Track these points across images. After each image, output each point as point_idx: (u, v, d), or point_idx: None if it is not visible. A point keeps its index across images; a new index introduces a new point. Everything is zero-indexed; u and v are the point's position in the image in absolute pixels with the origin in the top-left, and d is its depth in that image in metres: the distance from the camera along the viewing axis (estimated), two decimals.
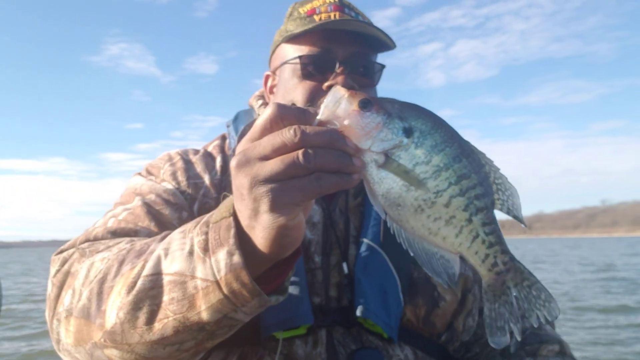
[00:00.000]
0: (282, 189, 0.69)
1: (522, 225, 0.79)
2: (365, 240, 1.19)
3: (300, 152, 0.68)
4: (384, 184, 0.74)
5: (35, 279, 24.44)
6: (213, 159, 1.34)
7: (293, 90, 1.28)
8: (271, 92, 1.41)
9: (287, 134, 0.69)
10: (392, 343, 1.16)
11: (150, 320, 0.83)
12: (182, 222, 1.13)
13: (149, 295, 0.83)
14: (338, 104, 0.73)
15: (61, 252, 1.07)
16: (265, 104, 1.43)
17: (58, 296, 0.98)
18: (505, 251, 0.75)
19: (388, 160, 0.72)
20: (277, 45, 1.37)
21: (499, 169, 0.76)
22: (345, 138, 0.71)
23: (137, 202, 1.19)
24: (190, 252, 0.81)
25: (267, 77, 1.44)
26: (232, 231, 0.78)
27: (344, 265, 1.19)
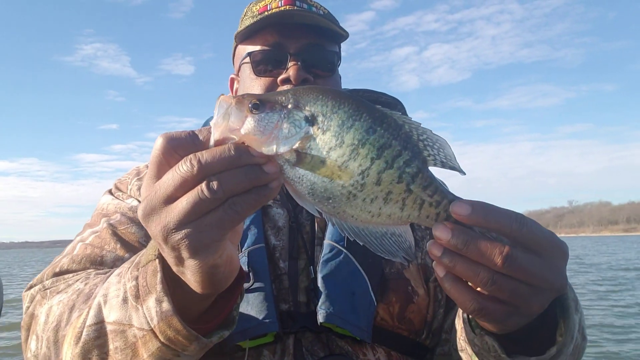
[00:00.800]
0: (198, 230, 0.64)
1: (461, 174, 0.74)
2: (327, 242, 1.15)
3: (203, 184, 0.63)
4: (305, 181, 0.69)
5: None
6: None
7: (250, 90, 1.26)
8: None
9: (183, 168, 0.64)
10: (364, 346, 1.12)
11: None
12: (149, 237, 1.10)
13: (95, 345, 0.82)
14: (228, 115, 0.67)
15: (30, 287, 1.10)
16: None
17: (26, 340, 1.01)
18: (452, 199, 0.71)
19: (300, 156, 0.67)
20: (235, 47, 1.39)
21: (420, 124, 0.71)
22: (248, 149, 0.66)
23: (103, 224, 1.19)
24: (125, 300, 0.80)
25: (232, 80, 1.45)
26: (159, 276, 0.75)
27: (311, 269, 1.16)
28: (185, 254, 0.67)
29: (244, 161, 0.65)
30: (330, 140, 0.67)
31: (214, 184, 0.63)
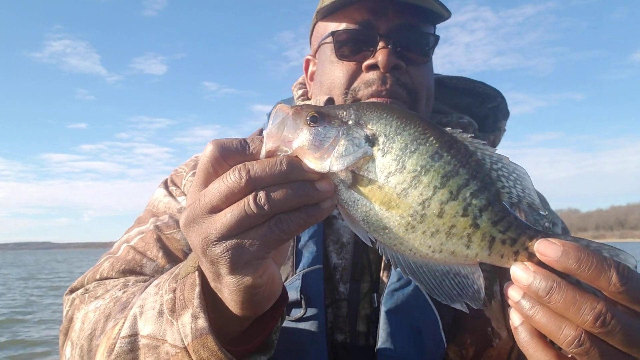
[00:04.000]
0: (240, 246, 0.61)
1: (541, 212, 0.66)
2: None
3: (250, 197, 0.59)
4: (360, 206, 0.64)
5: None
6: None
7: (330, 75, 1.13)
8: (311, 79, 1.26)
9: (231, 178, 0.60)
10: None
11: None
12: None
13: (127, 359, 0.78)
14: (283, 126, 0.63)
15: (71, 291, 1.09)
16: (306, 94, 1.27)
17: (63, 345, 0.99)
18: (533, 235, 0.62)
19: (357, 178, 0.63)
20: (314, 24, 1.23)
21: (494, 152, 0.64)
22: (301, 163, 0.62)
23: (150, 225, 1.15)
24: (160, 313, 0.76)
25: (307, 61, 1.29)
26: (197, 290, 0.71)
27: (375, 297, 1.03)
28: (224, 269, 0.63)
29: (296, 176, 0.60)
30: (391, 164, 0.61)
31: (262, 198, 0.59)
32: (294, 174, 0.61)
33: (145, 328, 0.77)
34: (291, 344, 0.92)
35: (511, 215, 0.63)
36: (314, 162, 0.62)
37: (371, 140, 0.63)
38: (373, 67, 1.06)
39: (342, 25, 1.11)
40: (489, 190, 0.63)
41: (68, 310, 1.03)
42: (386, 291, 0.98)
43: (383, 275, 1.05)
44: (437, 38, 1.17)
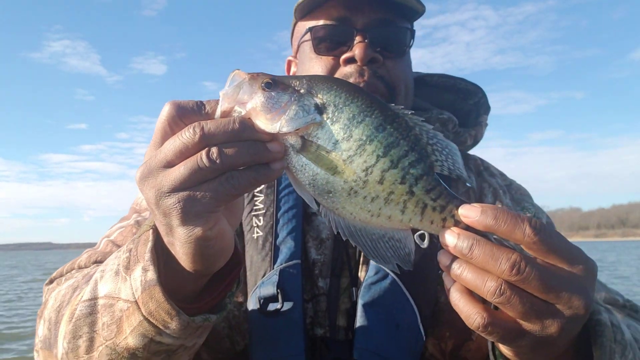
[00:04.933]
0: (191, 198, 0.63)
1: (467, 184, 0.68)
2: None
3: (203, 153, 0.62)
4: (308, 170, 0.67)
5: None
6: None
7: (309, 71, 1.13)
8: None
9: (186, 135, 0.63)
10: None
11: (90, 349, 0.78)
12: None
13: (86, 322, 0.78)
14: (239, 89, 0.67)
15: (50, 282, 1.08)
16: None
17: (37, 327, 0.96)
18: (459, 203, 0.68)
19: (305, 143, 0.66)
20: (294, 25, 1.23)
21: (430, 128, 0.68)
22: (254, 124, 0.65)
23: (132, 220, 1.16)
24: (117, 272, 0.77)
25: (289, 62, 1.30)
26: (149, 245, 0.73)
27: (353, 291, 1.03)
28: (175, 220, 0.64)
29: (247, 135, 0.63)
30: (338, 132, 0.65)
31: (214, 154, 0.61)
32: (245, 133, 0.64)
33: (104, 289, 0.79)
34: (268, 338, 0.93)
35: (442, 185, 0.68)
36: (265, 124, 0.66)
37: (320, 109, 0.67)
38: (351, 60, 1.08)
39: (320, 22, 1.13)
40: (425, 162, 0.68)
41: (45, 296, 1.03)
42: (363, 285, 0.99)
43: (362, 270, 1.06)
44: (413, 33, 1.18)
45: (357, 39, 1.08)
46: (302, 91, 0.68)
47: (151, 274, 0.73)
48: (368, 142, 0.66)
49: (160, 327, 0.74)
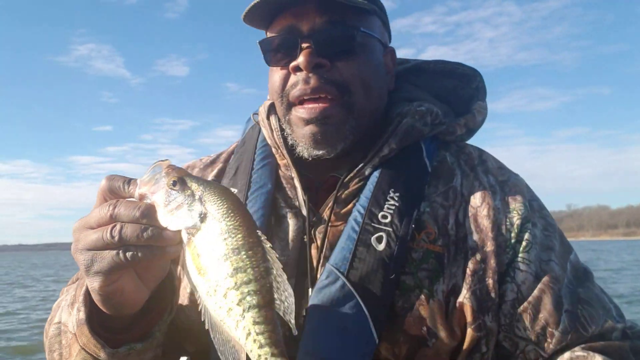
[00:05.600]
0: (93, 259, 0.76)
1: (294, 331, 0.73)
2: (328, 265, 0.96)
3: (109, 227, 0.74)
4: (188, 263, 0.77)
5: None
6: (213, 167, 1.24)
7: (270, 81, 1.12)
8: None
9: (103, 210, 0.76)
10: None
11: None
12: None
13: (57, 341, 0.95)
14: (155, 180, 0.77)
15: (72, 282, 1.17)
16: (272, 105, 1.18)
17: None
18: (276, 355, 0.71)
19: (189, 241, 0.75)
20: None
21: (280, 267, 0.74)
22: (154, 213, 0.75)
23: None
24: (68, 305, 0.93)
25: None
26: (84, 289, 0.85)
27: (310, 292, 1.02)
28: (83, 272, 0.78)
29: (146, 221, 0.73)
30: (208, 242, 0.74)
31: (115, 231, 0.73)
32: (145, 219, 0.74)
33: (63, 317, 0.95)
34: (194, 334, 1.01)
35: (272, 324, 0.73)
36: (161, 215, 0.76)
37: (202, 217, 0.75)
38: (298, 68, 1.05)
39: (273, 34, 1.10)
40: (263, 295, 0.73)
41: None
42: (315, 288, 0.97)
43: (319, 273, 1.03)
44: (373, 31, 1.08)
45: (302, 46, 1.04)
46: (195, 196, 0.77)
47: (82, 314, 0.86)
48: (224, 260, 0.74)
49: (94, 355, 0.87)
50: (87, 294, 0.85)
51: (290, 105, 1.06)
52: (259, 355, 0.72)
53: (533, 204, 1.06)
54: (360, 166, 1.01)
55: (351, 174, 1.00)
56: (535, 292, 0.94)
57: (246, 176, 1.10)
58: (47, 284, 24.31)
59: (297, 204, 1.07)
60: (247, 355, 0.75)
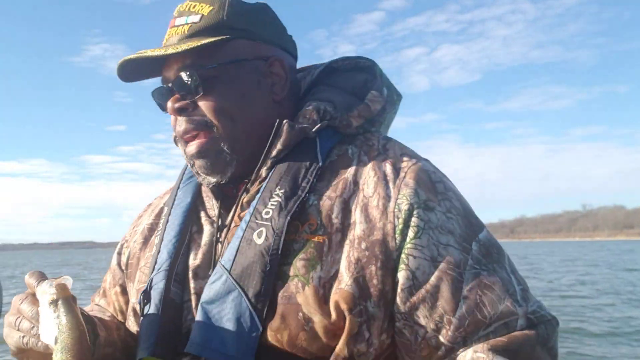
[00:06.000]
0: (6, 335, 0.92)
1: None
2: (218, 263, 0.99)
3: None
4: None
5: None
6: (148, 208, 1.30)
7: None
8: None
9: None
10: None
11: None
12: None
13: None
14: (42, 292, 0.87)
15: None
16: None
17: None
18: None
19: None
20: None
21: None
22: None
23: (114, 261, 1.30)
24: None
25: None
26: None
27: None
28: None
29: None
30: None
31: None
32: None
33: None
34: (139, 337, 1.06)
35: None
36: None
37: (55, 340, 0.84)
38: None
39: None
40: None
41: None
42: (207, 284, 1.02)
43: None
44: (205, 68, 1.06)
45: (170, 94, 1.08)
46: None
47: None
48: None
49: None
50: None
51: (180, 145, 1.11)
52: None
53: (437, 187, 1.00)
54: (256, 170, 1.05)
55: (252, 178, 1.04)
56: (432, 278, 0.91)
57: (173, 195, 1.18)
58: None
59: (213, 213, 1.13)
60: None
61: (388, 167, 1.02)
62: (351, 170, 1.03)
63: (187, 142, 1.06)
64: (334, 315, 0.93)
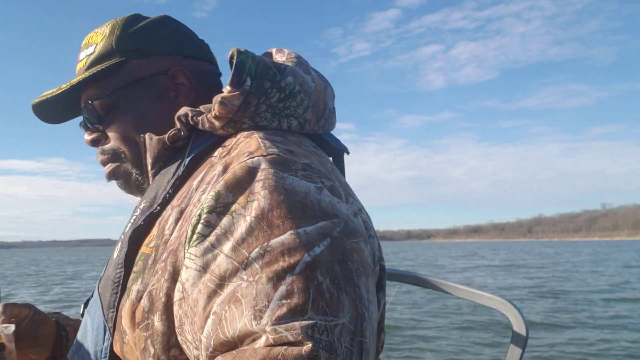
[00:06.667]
0: None
1: None
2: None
3: None
4: None
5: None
6: None
7: None
8: None
9: None
10: None
11: None
12: None
13: None
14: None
15: None
16: None
17: None
18: None
19: None
20: None
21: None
22: None
23: None
24: None
25: None
26: None
27: None
28: None
29: None
30: None
31: None
32: None
33: None
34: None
35: None
36: None
37: None
38: None
39: None
40: None
41: None
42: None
43: None
44: (107, 95, 1.08)
45: (85, 128, 1.12)
46: None
47: None
48: None
49: None
50: None
51: None
52: None
53: (254, 186, 0.82)
54: (144, 185, 1.07)
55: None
56: (194, 291, 0.80)
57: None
58: (88, 281, 25.53)
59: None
60: None
61: (219, 169, 0.89)
62: (199, 176, 0.95)
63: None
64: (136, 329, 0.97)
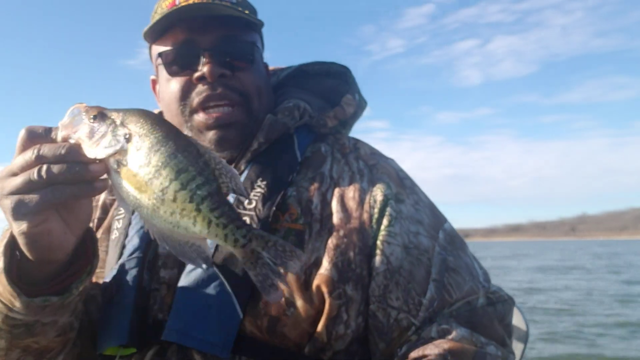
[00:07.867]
0: (21, 200, 0.80)
1: (245, 198, 0.98)
2: None
3: (36, 169, 0.80)
4: (124, 188, 0.81)
5: None
6: None
7: (167, 91, 1.23)
8: (159, 97, 1.34)
9: (27, 154, 0.81)
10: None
11: None
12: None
13: None
14: (74, 119, 0.83)
15: None
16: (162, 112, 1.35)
17: None
18: (240, 226, 0.81)
19: (120, 166, 0.81)
20: (150, 47, 1.32)
21: (217, 156, 0.83)
22: (79, 149, 0.81)
23: None
24: None
25: (154, 82, 1.38)
26: (6, 240, 0.91)
27: None
28: (9, 216, 0.82)
29: (72, 158, 0.80)
30: (141, 158, 0.79)
31: (42, 170, 0.79)
32: (70, 156, 0.80)
33: None
34: (104, 324, 1.08)
35: (226, 206, 0.82)
36: (87, 149, 0.81)
37: (128, 138, 0.81)
38: (202, 79, 1.18)
39: (168, 47, 1.22)
40: (210, 185, 0.81)
41: None
42: (184, 272, 1.08)
43: None
44: (258, 44, 1.28)
45: (204, 59, 1.16)
46: (117, 122, 0.82)
47: (1, 263, 0.90)
48: (163, 168, 0.79)
49: (9, 305, 0.92)
50: (9, 245, 0.91)
51: (192, 112, 1.19)
52: (225, 235, 0.81)
53: (405, 182, 1.24)
54: (235, 162, 1.17)
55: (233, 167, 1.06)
56: (405, 263, 1.06)
57: None
58: None
59: None
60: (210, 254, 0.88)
61: (362, 164, 1.23)
62: (327, 166, 1.21)
63: (208, 109, 1.17)
64: (315, 299, 1.07)
